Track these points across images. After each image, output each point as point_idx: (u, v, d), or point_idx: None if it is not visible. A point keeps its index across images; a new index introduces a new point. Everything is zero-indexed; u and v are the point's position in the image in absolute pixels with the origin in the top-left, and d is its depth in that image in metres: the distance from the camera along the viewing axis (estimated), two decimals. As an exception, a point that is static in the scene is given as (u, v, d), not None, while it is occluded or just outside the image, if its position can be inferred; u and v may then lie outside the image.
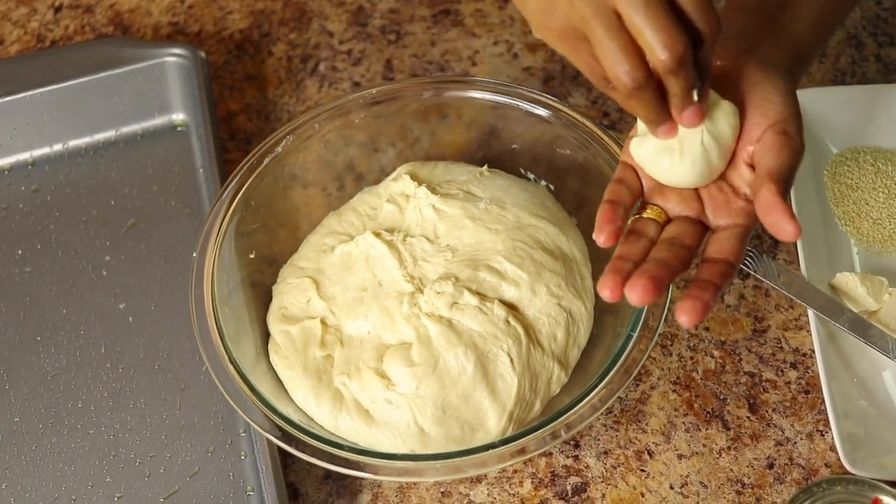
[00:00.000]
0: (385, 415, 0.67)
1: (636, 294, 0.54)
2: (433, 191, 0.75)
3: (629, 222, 0.60)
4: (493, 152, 0.81)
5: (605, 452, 0.72)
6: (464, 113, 0.80)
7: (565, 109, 0.76)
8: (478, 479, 0.71)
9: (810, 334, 0.74)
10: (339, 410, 0.68)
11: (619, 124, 0.89)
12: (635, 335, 0.65)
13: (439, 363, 0.67)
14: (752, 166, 0.59)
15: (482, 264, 0.71)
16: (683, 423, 0.73)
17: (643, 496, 0.70)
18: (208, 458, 0.73)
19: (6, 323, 0.80)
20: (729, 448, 0.72)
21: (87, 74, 0.88)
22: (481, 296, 0.70)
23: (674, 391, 0.74)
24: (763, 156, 0.57)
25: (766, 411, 0.73)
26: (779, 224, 0.54)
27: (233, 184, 0.74)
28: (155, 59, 0.88)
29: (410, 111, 0.79)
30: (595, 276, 0.73)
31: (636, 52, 0.54)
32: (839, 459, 0.68)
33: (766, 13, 0.64)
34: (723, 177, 0.60)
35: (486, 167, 0.79)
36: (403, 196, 0.77)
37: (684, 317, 0.53)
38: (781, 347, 0.76)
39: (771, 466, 0.71)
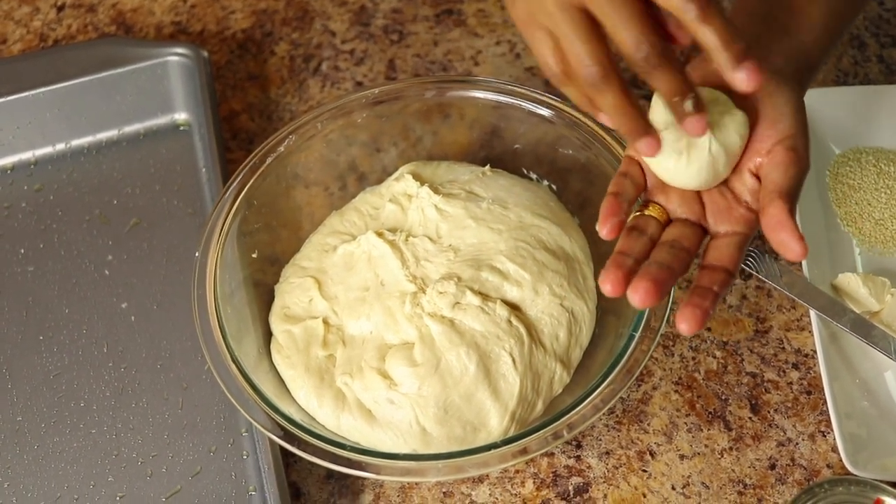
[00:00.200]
0: (387, 415, 0.67)
1: (638, 296, 0.54)
2: (435, 190, 0.75)
3: (631, 218, 0.60)
4: (496, 152, 0.81)
5: (607, 453, 0.72)
6: (466, 113, 0.79)
7: (568, 109, 0.76)
8: (480, 480, 0.71)
9: (812, 335, 0.74)
10: (341, 410, 0.68)
11: (622, 124, 0.88)
12: (637, 335, 0.65)
13: (441, 363, 0.67)
14: (756, 176, 0.59)
15: (484, 264, 0.71)
16: (685, 423, 0.73)
17: (645, 496, 0.70)
18: (210, 458, 0.73)
19: (9, 322, 0.80)
20: (731, 448, 0.72)
21: (89, 74, 0.87)
22: (484, 296, 0.70)
23: (676, 391, 0.74)
24: (772, 170, 0.58)
25: (768, 412, 0.73)
26: (787, 243, 0.55)
27: (235, 183, 0.74)
28: (157, 58, 0.88)
29: (413, 111, 0.79)
30: (597, 277, 0.73)
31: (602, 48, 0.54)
32: (841, 460, 0.68)
33: (777, 20, 0.64)
34: (725, 182, 0.60)
35: (488, 167, 0.79)
36: (406, 196, 0.77)
37: (684, 324, 0.54)
38: (783, 348, 0.76)
39: (773, 467, 0.71)
